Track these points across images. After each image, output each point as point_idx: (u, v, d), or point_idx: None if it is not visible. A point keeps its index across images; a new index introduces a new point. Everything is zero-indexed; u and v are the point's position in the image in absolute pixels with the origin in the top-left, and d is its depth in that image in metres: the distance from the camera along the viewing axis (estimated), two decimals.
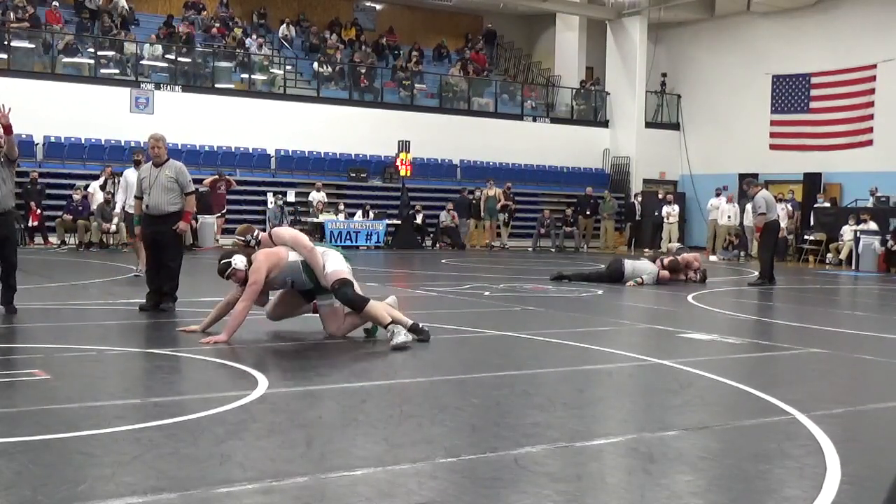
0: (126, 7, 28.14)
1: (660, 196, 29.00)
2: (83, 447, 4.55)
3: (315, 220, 25.22)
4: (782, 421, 5.51)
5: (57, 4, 26.79)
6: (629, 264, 15.99)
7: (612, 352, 8.22)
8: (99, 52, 26.21)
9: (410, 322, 8.22)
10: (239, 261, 8.07)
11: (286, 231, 8.64)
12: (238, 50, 28.42)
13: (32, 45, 25.39)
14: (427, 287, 14.22)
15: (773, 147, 29.81)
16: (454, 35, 35.05)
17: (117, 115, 24.71)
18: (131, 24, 27.88)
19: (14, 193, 9.81)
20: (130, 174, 13.16)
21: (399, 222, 26.13)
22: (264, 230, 8.97)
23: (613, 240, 29.57)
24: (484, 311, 11.33)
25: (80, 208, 21.76)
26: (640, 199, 30.10)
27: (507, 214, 27.95)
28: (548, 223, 28.18)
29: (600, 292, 14.27)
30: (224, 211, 24.05)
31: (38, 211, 21.98)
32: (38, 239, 22.19)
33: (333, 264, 8.20)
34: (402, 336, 7.91)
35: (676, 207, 28.10)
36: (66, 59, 25.47)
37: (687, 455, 4.70)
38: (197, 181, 23.67)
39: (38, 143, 23.96)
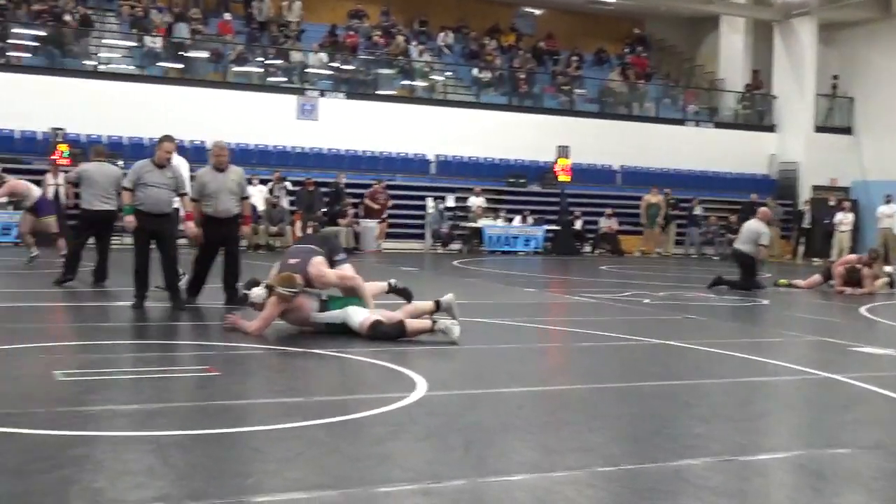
0: (297, 16, 29.02)
1: (830, 203, 27.84)
2: (251, 442, 4.71)
3: (473, 224, 25.39)
4: None
5: (229, 16, 27.90)
6: (741, 231, 16.31)
7: (779, 364, 7.95)
8: (267, 62, 27.16)
9: (433, 305, 8.80)
10: (256, 294, 8.34)
11: (329, 273, 8.56)
12: (399, 57, 28.93)
13: (206, 55, 26.52)
14: (585, 294, 14.10)
15: None
16: (615, 39, 34.65)
17: (284, 121, 25.53)
18: (299, 34, 28.70)
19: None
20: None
21: (558, 228, 26.01)
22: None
23: (780, 248, 28.54)
24: (643, 318, 11.15)
25: None
26: (808, 206, 28.96)
27: (665, 221, 27.39)
28: (712, 230, 27.52)
29: (766, 302, 13.83)
30: (385, 216, 24.50)
31: None
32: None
33: (359, 315, 8.34)
34: (452, 327, 8.29)
35: (851, 215, 26.85)
36: (236, 69, 26.52)
37: (859, 474, 4.49)
38: (359, 186, 24.50)
39: (209, 150, 24.97)
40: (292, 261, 8.55)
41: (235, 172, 10.79)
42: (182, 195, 10.40)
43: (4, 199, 16.78)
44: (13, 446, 4.46)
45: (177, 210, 10.58)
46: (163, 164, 10.14)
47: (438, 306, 8.87)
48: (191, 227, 10.49)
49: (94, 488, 3.86)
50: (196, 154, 24.55)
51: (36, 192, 14.93)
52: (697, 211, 27.80)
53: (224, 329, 8.43)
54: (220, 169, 10.64)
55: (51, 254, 15.03)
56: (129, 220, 10.06)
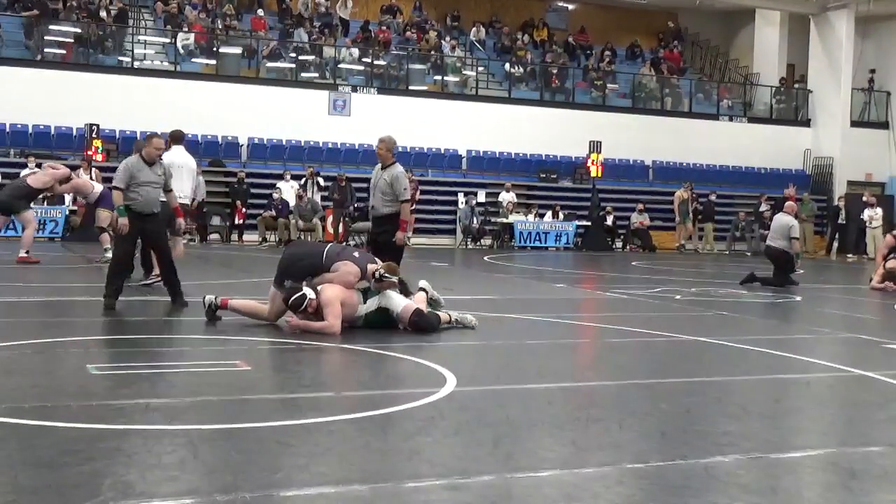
0: (343, 11, 29.15)
1: (864, 199, 27.52)
2: (280, 436, 4.73)
3: (504, 220, 25.36)
4: None
5: (262, 12, 28.03)
6: (772, 227, 15.98)
7: (811, 361, 7.88)
8: (300, 57, 27.26)
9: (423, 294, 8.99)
10: (309, 291, 8.25)
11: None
12: (432, 52, 28.93)
13: (239, 51, 26.66)
14: (617, 290, 14.04)
15: None
16: (648, 34, 34.47)
17: (316, 117, 25.64)
18: (335, 29, 28.76)
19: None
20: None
21: (589, 223, 25.92)
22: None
23: (814, 244, 28.23)
24: (674, 314, 11.08)
25: (280, 206, 22.67)
26: (843, 202, 28.61)
27: (690, 216, 27.09)
28: (743, 225, 27.29)
29: (798, 298, 13.71)
30: (413, 207, 24.45)
31: (244, 210, 22.99)
32: (235, 236, 23.17)
33: (400, 300, 8.46)
34: (466, 316, 8.76)
35: (879, 211, 26.52)
36: (269, 64, 26.63)
37: (892, 473, 4.44)
38: None
39: (242, 145, 25.15)
40: (356, 254, 8.59)
41: (390, 172, 10.15)
42: (169, 192, 9.98)
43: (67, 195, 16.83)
44: (46, 439, 4.51)
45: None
46: (153, 161, 9.68)
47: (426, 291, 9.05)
48: (181, 222, 10.38)
49: (124, 481, 3.90)
50: (229, 149, 24.78)
51: (98, 187, 15.05)
52: (763, 207, 27.30)
53: (291, 332, 8.19)
54: (382, 166, 10.28)
55: (95, 248, 15.18)
56: (123, 222, 9.39)
